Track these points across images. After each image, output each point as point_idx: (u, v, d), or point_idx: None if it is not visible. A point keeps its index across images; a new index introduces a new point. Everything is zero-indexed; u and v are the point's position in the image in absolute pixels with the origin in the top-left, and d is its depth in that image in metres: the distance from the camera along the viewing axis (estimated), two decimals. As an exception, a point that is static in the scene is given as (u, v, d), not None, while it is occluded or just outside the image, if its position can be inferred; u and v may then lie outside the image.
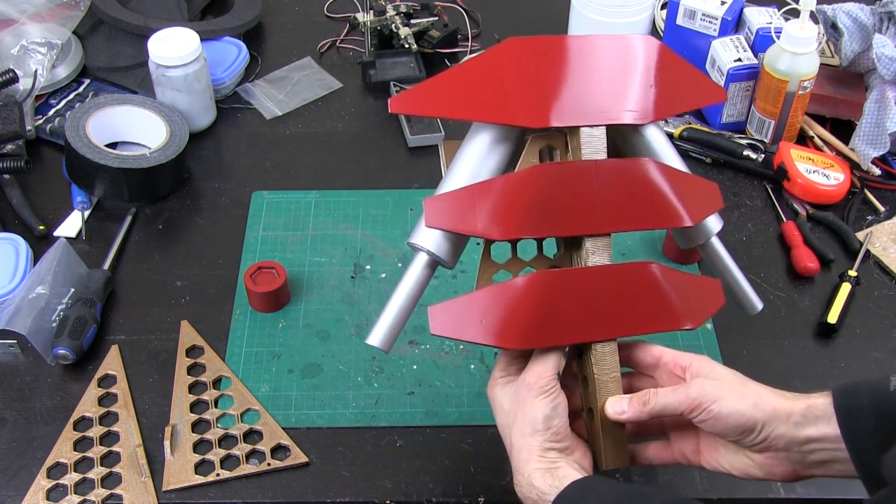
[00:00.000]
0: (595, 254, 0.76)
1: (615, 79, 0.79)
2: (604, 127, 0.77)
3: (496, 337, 0.73)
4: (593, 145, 0.77)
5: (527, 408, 0.72)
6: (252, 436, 0.91)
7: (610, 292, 0.75)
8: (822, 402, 0.68)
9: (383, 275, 1.06)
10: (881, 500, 0.55)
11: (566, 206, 0.75)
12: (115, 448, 0.90)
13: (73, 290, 1.01)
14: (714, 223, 0.83)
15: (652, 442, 0.78)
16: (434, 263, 0.78)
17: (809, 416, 0.68)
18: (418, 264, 0.77)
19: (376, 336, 0.77)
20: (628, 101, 0.78)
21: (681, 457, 0.76)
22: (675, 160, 0.82)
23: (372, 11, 1.32)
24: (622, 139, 0.82)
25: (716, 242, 0.85)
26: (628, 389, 0.76)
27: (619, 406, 0.73)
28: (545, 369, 0.73)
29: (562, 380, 0.75)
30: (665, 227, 0.78)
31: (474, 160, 0.77)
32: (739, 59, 1.20)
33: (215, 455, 0.89)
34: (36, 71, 1.23)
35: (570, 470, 0.71)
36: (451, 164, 0.79)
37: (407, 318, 0.78)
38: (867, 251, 1.09)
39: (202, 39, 1.20)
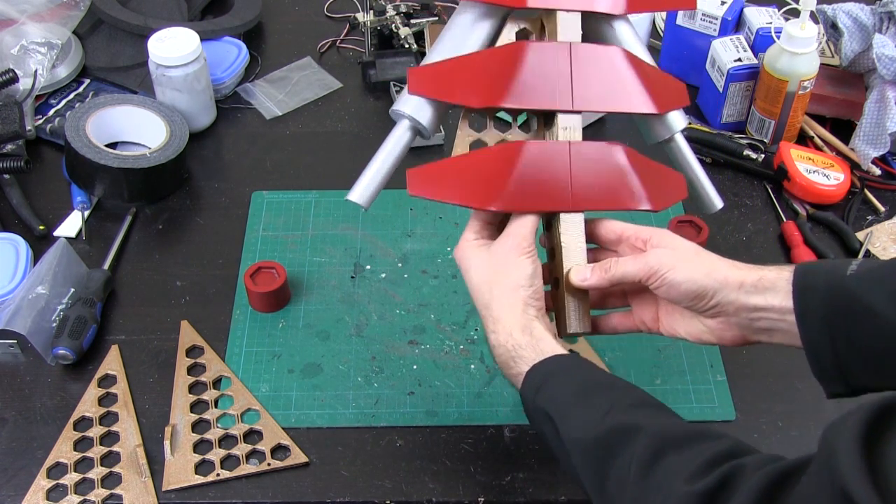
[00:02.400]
0: (566, 129, 0.80)
1: None
2: (579, 13, 0.81)
3: (468, 198, 0.78)
4: (569, 29, 0.81)
5: (510, 266, 0.76)
6: (252, 436, 0.91)
7: (578, 167, 0.79)
8: (772, 274, 0.72)
9: (383, 275, 1.06)
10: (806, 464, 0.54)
11: (539, 81, 0.79)
12: (115, 448, 0.90)
13: (73, 290, 1.01)
14: (679, 120, 0.86)
15: (615, 312, 0.82)
16: (415, 130, 0.82)
17: (759, 286, 0.71)
18: (401, 129, 0.82)
19: (357, 192, 0.81)
20: None
21: (641, 324, 0.80)
22: (644, 56, 0.85)
23: (372, 11, 1.32)
24: (594, 32, 0.85)
25: (679, 139, 0.88)
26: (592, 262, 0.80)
27: (582, 273, 0.78)
28: (527, 232, 0.77)
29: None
30: (633, 110, 0.82)
31: (458, 35, 0.82)
32: (739, 59, 1.20)
33: (215, 455, 0.89)
34: (36, 71, 1.23)
35: (544, 331, 0.75)
36: (437, 38, 0.83)
37: (387, 178, 0.82)
38: (867, 251, 1.09)
39: (202, 39, 1.20)
